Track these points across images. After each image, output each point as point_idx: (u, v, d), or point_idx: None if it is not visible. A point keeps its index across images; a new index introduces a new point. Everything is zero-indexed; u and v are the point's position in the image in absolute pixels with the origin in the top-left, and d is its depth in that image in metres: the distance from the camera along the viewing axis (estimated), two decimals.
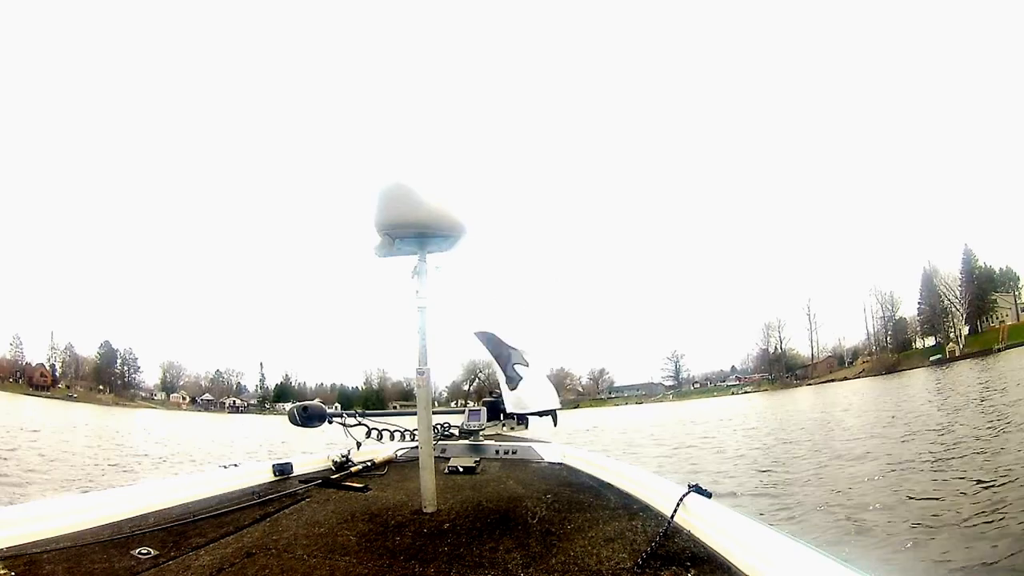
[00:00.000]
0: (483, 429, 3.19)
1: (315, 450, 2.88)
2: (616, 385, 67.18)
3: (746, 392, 58.65)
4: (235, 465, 2.41)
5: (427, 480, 1.88)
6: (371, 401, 63.16)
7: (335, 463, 2.64)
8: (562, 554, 1.41)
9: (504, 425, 3.21)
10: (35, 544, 1.45)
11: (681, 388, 64.76)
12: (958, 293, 52.56)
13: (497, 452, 3.05)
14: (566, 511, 1.82)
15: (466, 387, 64.37)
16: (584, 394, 66.18)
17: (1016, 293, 49.84)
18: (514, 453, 3.01)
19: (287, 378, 67.05)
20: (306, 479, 2.37)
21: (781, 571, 1.07)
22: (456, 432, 3.43)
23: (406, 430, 3.16)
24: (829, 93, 78.87)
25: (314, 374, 75.36)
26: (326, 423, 2.92)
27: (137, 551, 1.43)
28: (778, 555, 1.11)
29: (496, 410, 3.21)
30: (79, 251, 75.22)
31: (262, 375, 67.09)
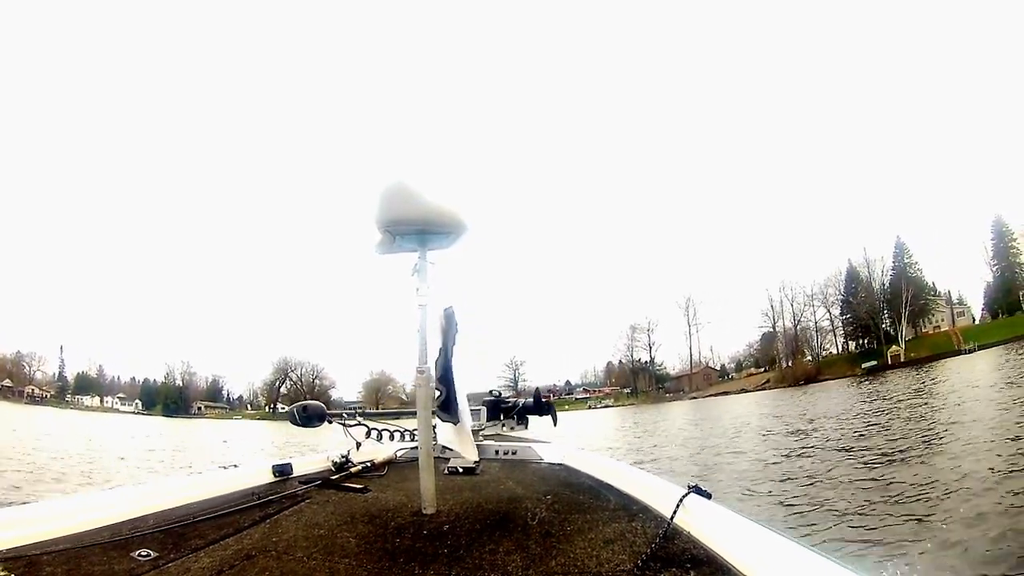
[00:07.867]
0: (483, 429, 3.18)
1: None
2: None
3: (606, 406, 54.45)
4: (235, 466, 2.41)
5: (427, 481, 1.88)
6: (171, 399, 56.89)
7: (335, 464, 2.64)
8: (562, 556, 1.41)
9: (504, 425, 3.20)
10: (35, 546, 1.44)
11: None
12: (889, 291, 49.47)
13: (497, 452, 3.05)
14: (566, 512, 1.81)
15: (279, 386, 58.16)
16: (409, 403, 62.73)
17: (946, 297, 47.87)
18: (514, 453, 3.01)
19: (100, 369, 58.08)
20: (306, 480, 2.37)
21: (781, 573, 1.06)
22: None
23: (406, 430, 3.16)
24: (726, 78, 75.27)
25: (124, 366, 63.26)
26: (326, 423, 2.93)
27: (137, 553, 1.43)
28: (778, 557, 1.10)
29: (496, 409, 3.20)
30: None
31: (62, 360, 56.62)
